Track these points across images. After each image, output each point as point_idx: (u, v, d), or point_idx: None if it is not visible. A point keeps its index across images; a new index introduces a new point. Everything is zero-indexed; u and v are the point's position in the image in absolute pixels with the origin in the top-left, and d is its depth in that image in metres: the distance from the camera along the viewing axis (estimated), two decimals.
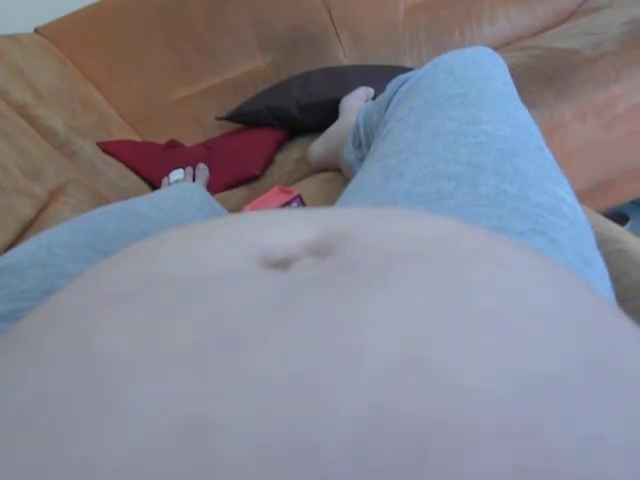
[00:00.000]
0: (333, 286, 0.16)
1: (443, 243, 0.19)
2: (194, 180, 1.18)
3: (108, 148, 1.27)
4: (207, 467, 0.11)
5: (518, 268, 0.18)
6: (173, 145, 1.43)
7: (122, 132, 1.44)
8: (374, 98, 1.11)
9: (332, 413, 0.11)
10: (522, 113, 0.48)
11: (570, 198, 0.41)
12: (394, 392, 0.12)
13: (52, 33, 1.45)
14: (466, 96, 0.48)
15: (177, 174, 1.19)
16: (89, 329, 0.15)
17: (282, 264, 0.20)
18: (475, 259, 0.18)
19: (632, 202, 1.37)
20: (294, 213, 0.23)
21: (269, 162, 1.25)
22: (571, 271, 0.34)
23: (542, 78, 1.10)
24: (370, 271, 0.16)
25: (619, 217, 1.39)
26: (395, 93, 0.59)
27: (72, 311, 0.18)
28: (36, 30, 1.46)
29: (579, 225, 0.39)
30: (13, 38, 1.28)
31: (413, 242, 0.19)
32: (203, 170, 1.21)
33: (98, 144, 1.26)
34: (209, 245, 0.20)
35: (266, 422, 0.11)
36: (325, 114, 1.20)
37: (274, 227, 0.22)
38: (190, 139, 1.50)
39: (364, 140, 0.72)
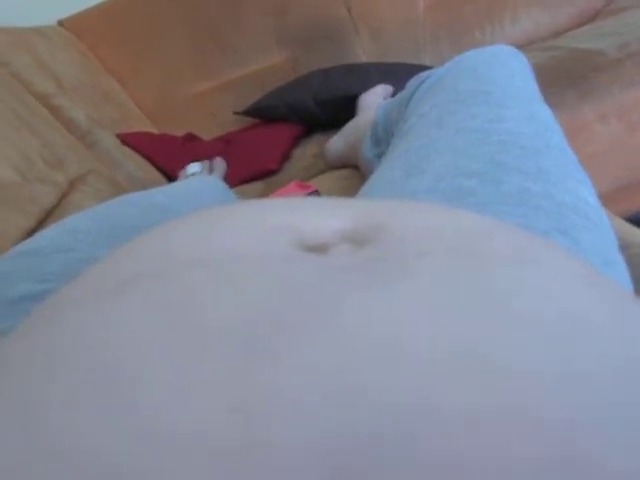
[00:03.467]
0: (372, 276, 0.16)
1: (478, 242, 0.19)
2: (211, 173, 1.18)
3: (127, 140, 1.28)
4: (253, 447, 0.11)
5: (553, 269, 0.18)
6: (191, 138, 1.44)
7: (141, 125, 1.45)
8: (393, 96, 1.10)
9: (379, 405, 0.11)
10: (545, 112, 0.48)
11: (593, 199, 0.41)
12: (443, 386, 0.12)
13: (75, 26, 1.47)
14: (489, 94, 0.48)
15: (194, 167, 1.20)
16: (122, 306, 0.15)
17: (319, 248, 0.19)
18: (510, 258, 0.17)
19: None
20: (324, 200, 0.23)
21: (286, 157, 1.25)
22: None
23: (565, 79, 1.08)
24: (408, 265, 0.16)
25: None
26: (416, 90, 0.59)
27: (97, 290, 0.18)
28: (59, 23, 1.48)
29: (602, 226, 0.39)
30: (37, 31, 1.30)
31: (447, 239, 0.19)
32: (220, 164, 1.21)
33: (117, 136, 1.27)
34: (242, 226, 0.20)
35: (312, 412, 0.11)
36: (343, 110, 1.20)
37: (307, 212, 0.21)
38: (207, 133, 1.51)
39: (383, 137, 0.71)
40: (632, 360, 0.14)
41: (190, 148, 1.35)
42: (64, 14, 1.48)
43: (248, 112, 1.42)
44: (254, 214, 0.22)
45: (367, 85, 1.19)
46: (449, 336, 0.13)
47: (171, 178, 1.27)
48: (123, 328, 0.14)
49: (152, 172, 1.27)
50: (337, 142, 1.04)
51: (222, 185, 0.87)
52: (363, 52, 1.55)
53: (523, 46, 1.50)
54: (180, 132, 1.47)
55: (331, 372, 0.12)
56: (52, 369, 0.14)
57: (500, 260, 0.17)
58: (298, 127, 1.33)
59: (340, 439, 0.11)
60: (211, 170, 1.19)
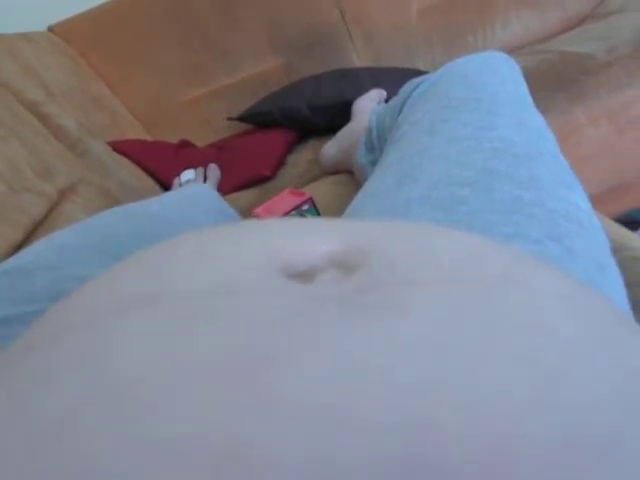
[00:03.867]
0: (359, 309, 0.16)
1: (469, 266, 0.18)
2: (205, 180, 1.18)
3: (119, 147, 1.27)
4: None
5: (546, 296, 0.18)
6: (184, 145, 1.43)
7: (133, 132, 1.44)
8: (387, 100, 1.10)
9: (363, 442, 0.11)
10: (536, 118, 0.48)
11: (585, 204, 0.41)
12: (426, 425, 0.12)
13: (65, 32, 1.46)
14: (480, 101, 0.48)
15: (188, 174, 1.19)
16: (107, 339, 0.15)
17: (304, 275, 0.19)
18: (501, 285, 0.17)
19: None
20: (313, 222, 0.23)
21: (280, 163, 1.24)
22: (589, 282, 0.33)
23: (555, 83, 1.09)
24: (396, 296, 0.16)
25: (631, 222, 1.37)
26: (408, 97, 0.59)
27: (87, 318, 0.17)
28: (49, 29, 1.47)
29: (594, 232, 0.39)
30: (26, 36, 1.28)
31: (438, 265, 0.18)
32: (214, 170, 1.21)
33: (109, 143, 1.26)
34: (228, 253, 0.20)
35: (300, 446, 0.11)
36: (337, 115, 1.20)
37: (295, 236, 0.21)
38: (201, 139, 1.50)
39: (377, 143, 0.71)
40: (613, 390, 0.14)
41: (183, 155, 1.34)
42: (54, 19, 1.47)
43: (242, 118, 1.42)
44: (240, 239, 0.21)
45: (361, 90, 1.19)
46: (431, 373, 0.13)
47: (165, 185, 1.26)
48: (123, 358, 0.14)
49: (145, 180, 1.26)
50: (331, 148, 1.04)
51: (215, 194, 0.87)
52: (357, 57, 1.56)
53: (514, 50, 1.51)
54: (173, 138, 1.46)
55: (312, 411, 0.12)
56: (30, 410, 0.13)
57: (490, 287, 0.17)
58: (292, 133, 1.32)
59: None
60: (205, 177, 1.19)
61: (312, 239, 0.21)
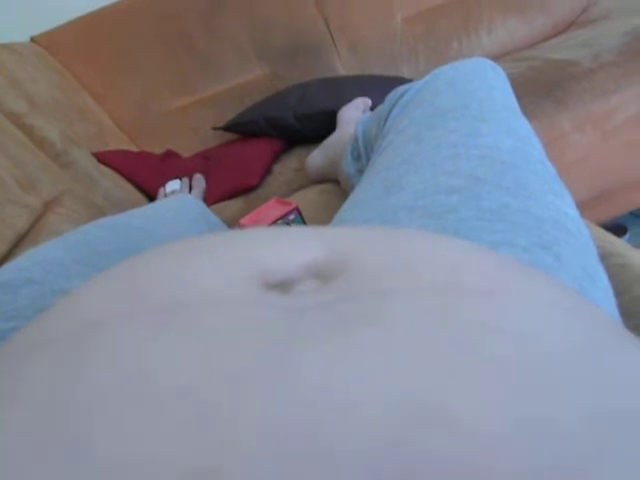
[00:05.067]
0: (336, 320, 0.15)
1: (451, 273, 0.18)
2: (190, 190, 1.17)
3: (104, 158, 1.26)
4: None
5: (531, 304, 0.17)
6: (170, 155, 1.43)
7: (118, 142, 1.43)
8: (372, 109, 1.10)
9: (334, 464, 0.11)
10: (523, 125, 0.48)
11: (572, 211, 0.41)
12: (398, 443, 0.11)
13: (48, 42, 1.45)
14: (467, 108, 0.48)
15: (173, 184, 1.19)
16: (74, 360, 0.14)
17: (282, 285, 0.19)
18: (481, 295, 0.17)
19: (630, 213, 1.37)
20: (293, 231, 0.23)
21: (267, 172, 1.24)
22: (578, 290, 0.33)
23: (541, 89, 1.10)
24: (374, 306, 0.16)
25: (617, 228, 1.38)
26: (394, 105, 0.58)
27: (59, 335, 0.17)
28: (32, 39, 1.46)
29: (582, 239, 0.39)
30: (9, 47, 1.27)
31: (419, 273, 0.18)
32: (200, 180, 1.20)
33: (94, 154, 1.25)
34: (205, 265, 0.19)
35: (270, 472, 0.11)
36: (323, 124, 1.20)
37: (273, 246, 0.21)
38: (187, 149, 1.49)
39: (363, 152, 0.71)
40: (600, 410, 0.13)
41: (169, 165, 1.33)
42: (37, 30, 1.46)
43: (228, 127, 1.42)
44: (218, 250, 0.21)
45: (346, 98, 1.19)
46: (406, 389, 0.13)
47: (150, 196, 1.25)
48: (85, 382, 0.14)
49: (131, 191, 1.25)
50: (317, 157, 1.04)
51: (201, 205, 0.86)
52: (342, 66, 1.56)
53: (499, 56, 1.52)
54: (159, 149, 1.45)
55: (284, 435, 0.12)
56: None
57: (471, 297, 0.17)
58: (278, 142, 1.32)
59: None
60: (191, 187, 1.18)
61: (289, 248, 0.20)
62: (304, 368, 0.13)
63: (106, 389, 0.13)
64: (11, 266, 0.46)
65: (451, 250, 0.20)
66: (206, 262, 0.20)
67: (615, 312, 0.37)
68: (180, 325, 0.15)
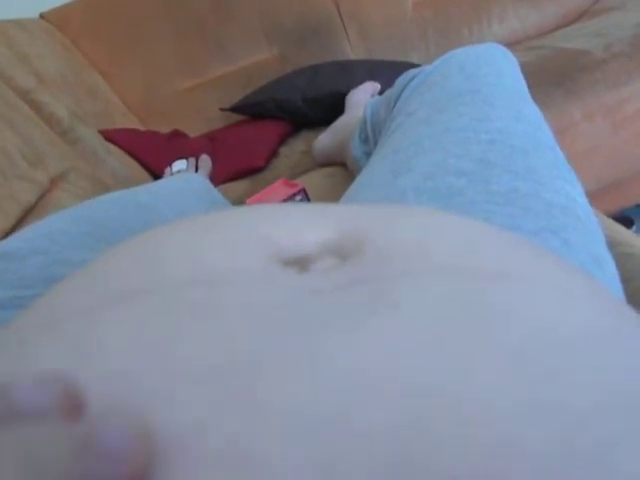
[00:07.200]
0: (354, 305, 0.15)
1: (465, 257, 0.18)
2: (197, 171, 1.17)
3: (111, 136, 1.26)
4: None
5: (546, 287, 0.17)
6: (176, 135, 1.42)
7: (126, 121, 1.43)
8: (381, 93, 1.10)
9: (354, 450, 0.11)
10: (533, 111, 0.47)
11: (581, 198, 0.40)
12: (418, 428, 0.11)
13: (57, 19, 1.44)
14: (478, 92, 0.47)
15: (180, 164, 1.18)
16: (92, 334, 0.15)
17: (298, 262, 0.19)
18: (498, 277, 0.17)
19: (637, 206, 1.36)
20: (304, 208, 0.22)
21: (273, 154, 1.24)
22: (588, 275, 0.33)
23: (552, 78, 1.09)
24: (390, 291, 0.16)
25: (624, 221, 1.38)
26: (404, 88, 0.58)
27: (74, 311, 0.17)
28: (41, 16, 1.45)
29: (591, 226, 0.39)
30: (18, 23, 1.27)
31: (433, 255, 0.18)
32: (206, 161, 1.20)
33: (101, 132, 1.24)
34: (217, 241, 0.19)
35: (300, 454, 0.11)
36: (331, 107, 1.19)
37: (286, 222, 0.21)
38: (194, 130, 1.49)
39: (371, 135, 0.71)
40: (617, 397, 0.13)
41: (175, 145, 1.33)
42: (46, 7, 1.45)
43: (235, 109, 1.41)
44: (236, 225, 0.21)
45: (355, 82, 1.19)
46: (422, 377, 0.13)
47: (156, 175, 1.25)
48: (106, 354, 0.14)
49: (137, 169, 1.25)
50: (325, 139, 1.03)
51: (207, 184, 0.86)
52: (351, 49, 1.55)
53: (510, 45, 1.50)
54: (166, 128, 1.45)
55: (301, 419, 0.12)
56: None
57: (485, 281, 0.17)
58: (285, 124, 1.32)
59: None
60: (197, 167, 1.18)
61: (302, 224, 0.20)
62: (328, 353, 0.13)
63: (122, 364, 0.13)
64: (17, 237, 0.46)
65: (465, 230, 0.20)
66: (218, 238, 0.20)
67: (622, 299, 0.37)
68: (197, 303, 0.15)
